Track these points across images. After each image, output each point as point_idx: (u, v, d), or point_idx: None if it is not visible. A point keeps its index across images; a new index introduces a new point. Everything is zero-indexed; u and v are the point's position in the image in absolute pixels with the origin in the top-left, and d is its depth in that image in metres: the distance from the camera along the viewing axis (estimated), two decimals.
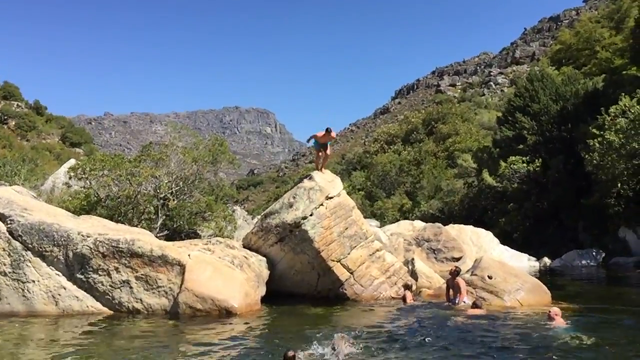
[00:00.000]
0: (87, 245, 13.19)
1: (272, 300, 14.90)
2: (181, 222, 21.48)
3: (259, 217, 18.87)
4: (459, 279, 14.00)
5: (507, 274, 14.67)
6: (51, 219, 13.81)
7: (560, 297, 14.31)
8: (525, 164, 33.87)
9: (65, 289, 13.08)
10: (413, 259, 19.14)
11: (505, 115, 39.15)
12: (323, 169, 17.32)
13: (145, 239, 13.69)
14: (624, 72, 33.50)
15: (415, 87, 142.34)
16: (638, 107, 23.23)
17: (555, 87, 36.30)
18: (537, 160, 33.43)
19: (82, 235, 13.36)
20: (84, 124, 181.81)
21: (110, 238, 13.34)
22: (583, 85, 35.24)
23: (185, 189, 22.15)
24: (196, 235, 21.90)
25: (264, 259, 15.90)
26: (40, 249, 13.15)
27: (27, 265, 13.04)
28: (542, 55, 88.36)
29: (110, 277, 13.12)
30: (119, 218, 19.25)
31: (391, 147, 70.32)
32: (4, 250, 13.02)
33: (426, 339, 9.74)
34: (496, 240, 28.59)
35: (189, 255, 13.72)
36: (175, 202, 21.35)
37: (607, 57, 40.52)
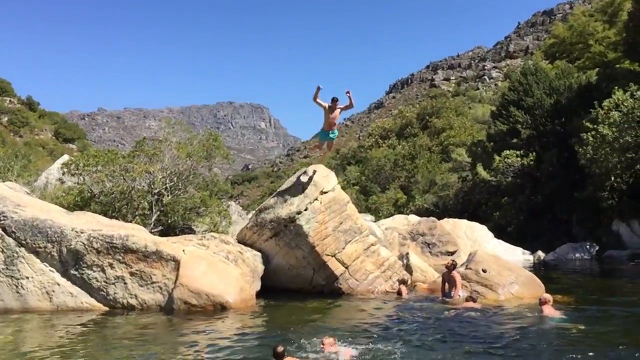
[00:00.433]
0: (80, 242, 13.15)
1: (267, 295, 14.90)
2: (175, 218, 21.47)
3: (254, 212, 18.85)
4: (455, 273, 14.03)
5: (501, 268, 14.71)
6: (45, 215, 13.76)
7: (555, 290, 14.34)
8: (519, 158, 33.96)
9: (59, 285, 13.04)
10: (408, 253, 19.16)
11: (499, 109, 39.21)
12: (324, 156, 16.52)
13: (139, 235, 13.66)
14: (618, 65, 33.64)
15: (410, 81, 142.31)
16: (631, 100, 23.31)
17: (549, 81, 36.36)
18: (531, 154, 33.52)
19: (76, 232, 13.31)
20: (77, 120, 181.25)
21: (104, 234, 13.30)
22: (577, 79, 35.32)
23: (180, 185, 22.13)
24: (191, 231, 21.89)
25: (259, 254, 15.88)
26: (34, 245, 13.10)
27: (20, 261, 12.99)
28: (536, 49, 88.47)
29: (105, 273, 13.08)
30: (113, 214, 19.23)
31: (385, 141, 70.36)
32: None
33: (422, 333, 9.78)
34: (490, 234, 28.67)
35: (183, 250, 13.70)
36: (170, 197, 21.34)
37: (601, 51, 40.61)
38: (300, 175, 16.59)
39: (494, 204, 36.13)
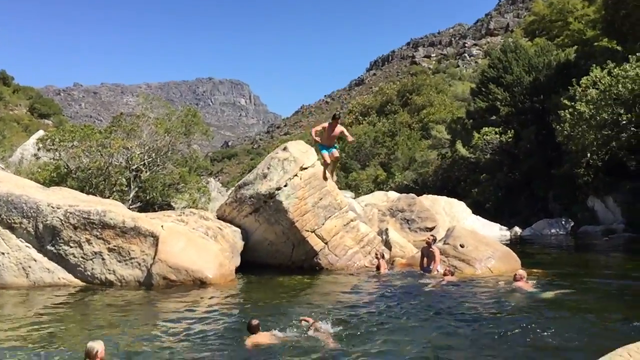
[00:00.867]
0: (57, 217, 12.98)
1: (247, 271, 14.94)
2: (154, 194, 21.33)
3: (233, 188, 18.79)
4: (434, 248, 14.16)
5: (478, 243, 14.89)
6: (20, 191, 13.54)
7: (530, 264, 14.61)
8: (497, 135, 34.21)
9: (35, 261, 12.90)
10: (387, 229, 19.28)
11: (478, 86, 39.34)
12: (332, 174, 13.77)
13: (117, 211, 13.53)
14: (596, 43, 33.86)
15: (390, 58, 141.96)
16: (608, 78, 23.51)
17: (529, 59, 36.52)
18: (509, 131, 33.78)
19: (52, 207, 13.14)
20: (52, 95, 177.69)
21: (81, 209, 13.14)
22: (555, 57, 35.50)
23: (158, 161, 21.94)
24: (170, 207, 21.79)
25: (239, 229, 15.87)
26: (9, 221, 12.92)
27: None
28: (516, 26, 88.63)
29: (82, 249, 12.96)
30: (90, 190, 19.02)
31: (366, 118, 70.30)
32: None
33: (400, 308, 9.86)
34: (469, 210, 28.98)
35: (162, 226, 13.61)
36: (148, 173, 21.16)
37: (580, 29, 40.80)
38: (279, 151, 16.54)
39: (473, 181, 36.47)
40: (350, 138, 12.10)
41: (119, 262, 13.00)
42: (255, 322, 8.02)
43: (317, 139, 12.30)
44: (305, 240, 15.36)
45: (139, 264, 13.00)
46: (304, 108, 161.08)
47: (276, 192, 15.20)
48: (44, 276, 12.84)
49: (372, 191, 38.36)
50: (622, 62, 23.52)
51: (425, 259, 14.34)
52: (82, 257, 12.98)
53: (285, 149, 16.58)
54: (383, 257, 15.69)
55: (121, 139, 20.37)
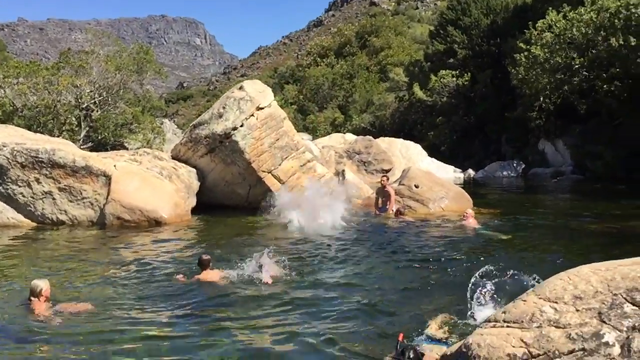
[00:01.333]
0: (3, 155, 12.52)
1: (203, 212, 14.87)
2: (106, 134, 20.78)
3: (188, 127, 18.45)
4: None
5: (432, 183, 15.17)
6: None
7: (481, 204, 15.05)
8: (454, 78, 34.42)
9: None
10: (344, 170, 19.41)
11: (437, 28, 39.20)
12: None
13: (66, 149, 13.13)
14: None
15: None
16: (563, 22, 23.71)
17: (487, 1, 36.43)
18: (466, 74, 34.01)
19: None
20: None
21: (28, 148, 12.69)
22: None
23: (109, 100, 21.28)
24: (123, 148, 21.30)
25: (194, 170, 15.68)
26: None
27: None
28: None
29: (31, 189, 12.61)
30: (38, 129, 18.38)
31: (324, 60, 69.44)
32: None
33: (354, 247, 10.01)
34: (424, 153, 29.37)
35: (114, 166, 13.32)
36: (99, 113, 20.53)
37: None
38: (235, 90, 16.22)
39: (429, 124, 36.85)
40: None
41: (71, 201, 12.73)
42: (205, 257, 7.97)
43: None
44: (262, 181, 15.31)
45: (92, 204, 12.77)
46: (261, 49, 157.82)
47: (232, 132, 14.98)
48: None
49: (329, 134, 38.35)
50: (578, 5, 23.72)
51: (380, 200, 14.55)
52: (31, 197, 12.64)
53: (241, 88, 16.25)
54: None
55: (69, 76, 19.57)
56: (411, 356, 4.34)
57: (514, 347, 3.00)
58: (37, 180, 12.61)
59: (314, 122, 50.21)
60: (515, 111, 29.26)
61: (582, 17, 22.84)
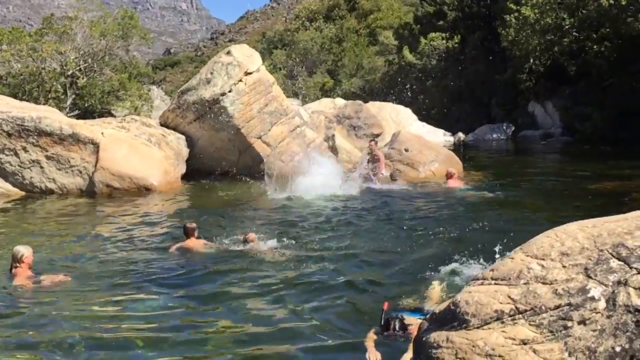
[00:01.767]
0: None
1: (193, 178, 14.86)
2: (93, 102, 20.52)
3: (176, 93, 18.26)
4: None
5: (422, 147, 15.20)
6: None
7: (471, 166, 15.13)
8: (444, 41, 34.12)
9: None
10: (334, 135, 19.36)
11: None
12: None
13: (53, 117, 12.99)
14: None
15: None
16: None
17: None
18: (456, 36, 33.70)
19: None
20: None
21: (14, 116, 12.53)
22: None
23: (95, 66, 20.96)
24: (110, 115, 21.06)
25: (183, 137, 15.57)
26: None
27: None
28: None
29: (19, 157, 12.50)
30: (24, 97, 18.12)
31: (312, 24, 68.45)
32: None
33: (343, 215, 9.97)
34: (414, 117, 29.26)
35: (102, 133, 13.20)
36: (85, 80, 20.23)
37: None
38: (223, 55, 16.01)
39: (419, 88, 36.65)
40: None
41: (59, 170, 12.64)
42: (190, 225, 7.84)
43: None
44: (252, 147, 15.26)
45: (80, 172, 12.69)
46: (249, 13, 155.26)
47: (220, 97, 14.84)
48: None
49: (319, 99, 38.09)
50: None
51: (370, 164, 14.56)
52: (19, 166, 12.54)
53: (228, 53, 16.03)
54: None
55: (53, 42, 19.21)
56: (397, 327, 4.31)
57: (501, 303, 3.03)
58: (24, 149, 12.50)
59: (304, 87, 49.78)
60: (505, 73, 29.15)
61: None
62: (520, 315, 2.96)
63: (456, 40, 33.52)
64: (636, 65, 20.49)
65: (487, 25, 31.94)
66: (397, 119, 28.86)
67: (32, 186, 12.60)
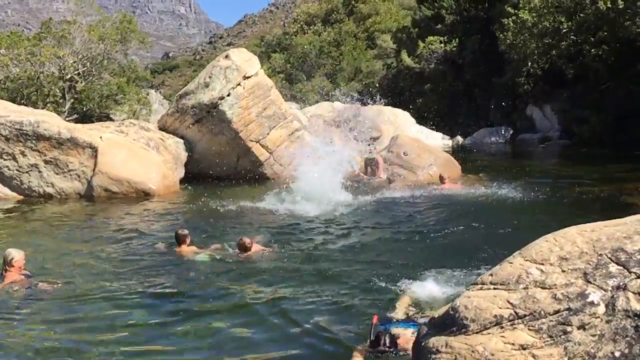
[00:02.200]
0: None
1: (192, 182, 14.85)
2: (91, 106, 20.53)
3: (175, 97, 18.27)
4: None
5: (421, 151, 15.21)
6: None
7: (469, 170, 15.13)
8: (442, 45, 34.15)
9: None
10: (332, 138, 19.33)
11: None
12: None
13: (51, 121, 12.99)
14: None
15: None
16: None
17: None
18: (454, 40, 33.74)
19: None
20: None
21: (12, 120, 12.53)
22: None
23: (94, 70, 20.96)
24: (109, 119, 21.07)
25: (181, 140, 15.57)
26: None
27: None
28: None
29: (17, 162, 12.49)
30: (22, 101, 18.13)
31: (311, 28, 68.54)
32: None
33: (343, 219, 9.94)
34: (413, 120, 29.28)
35: (100, 137, 13.19)
36: (83, 84, 20.21)
37: None
38: (221, 59, 16.02)
39: (417, 91, 36.68)
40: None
41: (57, 174, 12.63)
42: (182, 232, 7.75)
43: None
44: (250, 151, 15.28)
45: (79, 176, 12.68)
46: (247, 17, 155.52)
47: (219, 101, 14.86)
48: None
49: (317, 102, 38.11)
50: None
51: (369, 167, 14.58)
52: (17, 170, 12.54)
53: (227, 56, 16.06)
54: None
55: (52, 46, 19.22)
56: (387, 342, 4.14)
57: (500, 308, 3.03)
58: (23, 153, 12.49)
59: (302, 91, 49.80)
60: (503, 77, 29.18)
61: None
62: (519, 320, 2.95)
63: (454, 44, 33.56)
64: (634, 68, 20.52)
65: (485, 29, 31.96)
66: (395, 122, 28.87)
67: (31, 190, 12.59)
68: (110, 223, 10.18)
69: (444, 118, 33.44)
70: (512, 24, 24.86)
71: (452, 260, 6.40)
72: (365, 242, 8.21)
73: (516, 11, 24.83)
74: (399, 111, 29.71)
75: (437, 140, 27.72)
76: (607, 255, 3.07)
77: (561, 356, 2.76)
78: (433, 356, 3.09)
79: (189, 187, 14.42)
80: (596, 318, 2.83)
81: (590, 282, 2.98)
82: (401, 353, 4.08)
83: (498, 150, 24.95)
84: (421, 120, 30.77)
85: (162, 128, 16.04)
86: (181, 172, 14.93)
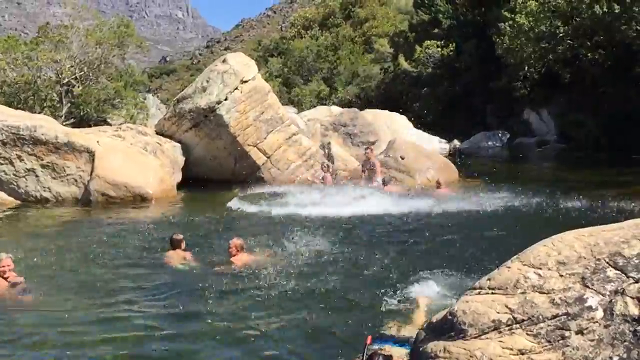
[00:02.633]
0: None
1: (189, 187, 14.81)
2: (88, 110, 20.48)
3: (172, 102, 18.26)
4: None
5: (418, 155, 15.26)
6: None
7: (466, 174, 15.17)
8: (439, 49, 34.24)
9: None
10: (329, 142, 19.37)
11: None
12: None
13: (48, 126, 12.97)
14: None
15: None
16: None
17: None
18: (451, 44, 33.84)
19: None
20: None
21: (9, 124, 12.51)
22: None
23: (91, 75, 20.93)
24: (106, 124, 21.03)
25: (179, 145, 15.56)
26: None
27: None
28: None
29: (14, 166, 12.47)
30: (19, 106, 18.08)
31: (308, 32, 68.63)
32: None
33: (337, 228, 9.87)
34: (410, 124, 29.28)
35: (97, 142, 13.17)
36: (81, 88, 20.19)
37: None
38: (218, 64, 16.04)
39: (414, 95, 36.73)
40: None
41: (54, 178, 12.60)
42: (177, 236, 7.68)
43: None
44: (248, 155, 15.27)
45: (76, 181, 12.65)
46: (245, 21, 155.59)
47: (216, 106, 14.85)
48: None
49: (314, 106, 38.11)
50: None
51: (366, 171, 14.58)
52: (14, 174, 12.51)
53: (224, 61, 16.08)
54: (329, 169, 15.79)
55: (49, 51, 19.19)
56: None
57: (498, 313, 3.03)
58: (19, 158, 12.47)
59: (300, 95, 49.85)
60: (500, 81, 29.25)
61: None
62: (517, 325, 2.95)
63: (451, 48, 33.66)
64: (630, 72, 20.60)
65: (482, 33, 32.04)
66: (392, 126, 28.87)
67: (28, 195, 12.56)
68: (106, 227, 10.15)
69: (441, 122, 33.47)
70: (508, 28, 24.94)
71: (446, 268, 6.35)
72: (358, 251, 8.01)
73: (513, 15, 24.91)
74: (396, 115, 29.71)
75: (434, 145, 27.71)
76: (605, 260, 3.08)
77: None
78: None
79: (187, 192, 14.40)
80: (594, 323, 2.83)
81: (588, 287, 2.98)
82: None
83: (495, 154, 25.02)
84: (418, 124, 30.78)
85: (160, 132, 16.03)
86: (178, 177, 14.92)
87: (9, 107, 16.46)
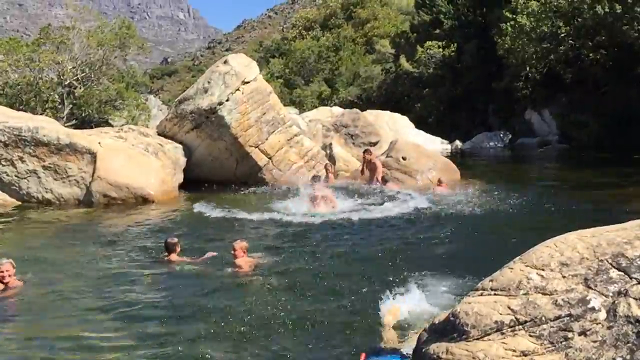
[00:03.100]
0: None
1: (191, 188, 14.80)
2: (90, 111, 20.54)
3: (173, 103, 18.28)
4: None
5: (420, 155, 15.22)
6: None
7: (468, 174, 15.14)
8: (441, 49, 34.26)
9: None
10: (331, 143, 19.40)
11: None
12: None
13: (50, 127, 12.97)
14: None
15: None
16: None
17: None
18: (452, 45, 33.85)
19: None
20: None
21: (11, 126, 12.52)
22: None
23: (92, 76, 20.97)
24: (108, 125, 21.09)
25: (180, 146, 15.55)
26: None
27: None
28: None
29: (15, 167, 12.47)
30: (21, 107, 18.13)
31: (309, 33, 68.66)
32: None
33: (348, 222, 9.88)
34: (411, 125, 29.31)
35: (99, 143, 13.17)
36: (82, 89, 20.22)
37: None
38: (220, 65, 16.04)
39: (416, 96, 36.75)
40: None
41: (56, 180, 12.60)
42: (172, 240, 7.61)
43: None
44: (249, 156, 15.26)
45: (77, 182, 12.65)
46: (246, 22, 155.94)
47: (218, 107, 14.84)
48: None
49: (316, 107, 38.11)
50: None
51: (367, 172, 14.55)
52: (16, 176, 12.51)
53: (226, 62, 16.06)
54: (332, 169, 15.79)
55: (51, 52, 19.24)
56: None
57: (501, 314, 3.02)
58: (21, 159, 12.47)
59: (301, 96, 49.86)
60: (501, 81, 29.25)
61: None
62: (520, 326, 2.94)
63: (452, 49, 33.67)
64: (631, 72, 20.58)
65: (484, 34, 32.06)
66: (394, 127, 28.90)
67: (29, 196, 12.56)
68: (107, 229, 10.15)
69: (442, 122, 33.50)
70: (510, 29, 24.95)
71: (446, 268, 6.32)
72: (356, 252, 7.93)
73: (514, 16, 24.93)
74: (397, 116, 29.74)
75: (436, 145, 27.74)
76: (607, 261, 3.06)
77: None
78: None
79: (188, 193, 14.40)
80: (597, 324, 2.81)
81: (591, 288, 2.96)
82: None
83: (497, 154, 25.01)
84: (420, 124, 30.80)
85: (161, 133, 16.03)
86: (180, 178, 14.91)
87: (11, 108, 16.52)
